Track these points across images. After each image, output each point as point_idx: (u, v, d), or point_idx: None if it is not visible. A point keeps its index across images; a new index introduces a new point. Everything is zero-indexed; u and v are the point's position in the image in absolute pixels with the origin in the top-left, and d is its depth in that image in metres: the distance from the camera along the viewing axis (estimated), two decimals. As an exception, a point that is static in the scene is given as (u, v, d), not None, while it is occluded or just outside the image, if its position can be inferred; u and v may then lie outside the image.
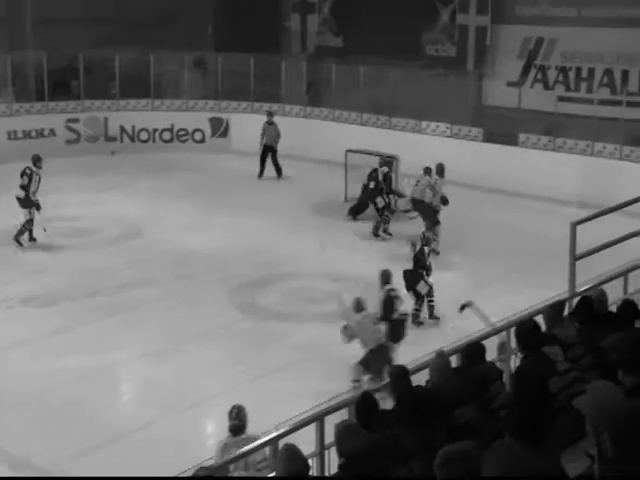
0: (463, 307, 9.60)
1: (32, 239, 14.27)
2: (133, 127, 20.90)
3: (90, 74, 20.63)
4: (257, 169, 18.73)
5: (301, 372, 9.99)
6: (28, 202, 13.90)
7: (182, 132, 21.08)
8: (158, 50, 20.91)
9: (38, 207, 13.97)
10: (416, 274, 11.47)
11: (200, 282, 12.78)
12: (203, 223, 15.36)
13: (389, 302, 9.87)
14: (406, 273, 11.44)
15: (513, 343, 6.51)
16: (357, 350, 9.56)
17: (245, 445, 5.81)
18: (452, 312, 11.54)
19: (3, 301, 11.83)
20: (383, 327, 9.71)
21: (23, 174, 14.03)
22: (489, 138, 18.26)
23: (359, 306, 9.62)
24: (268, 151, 18.79)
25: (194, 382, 9.73)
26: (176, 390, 9.54)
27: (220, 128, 21.16)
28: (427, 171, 14.56)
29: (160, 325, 11.24)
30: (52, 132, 20.07)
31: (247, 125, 20.35)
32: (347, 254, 14.05)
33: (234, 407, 6.78)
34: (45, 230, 14.05)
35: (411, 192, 14.92)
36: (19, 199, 13.97)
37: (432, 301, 11.62)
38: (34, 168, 14.00)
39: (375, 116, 19.74)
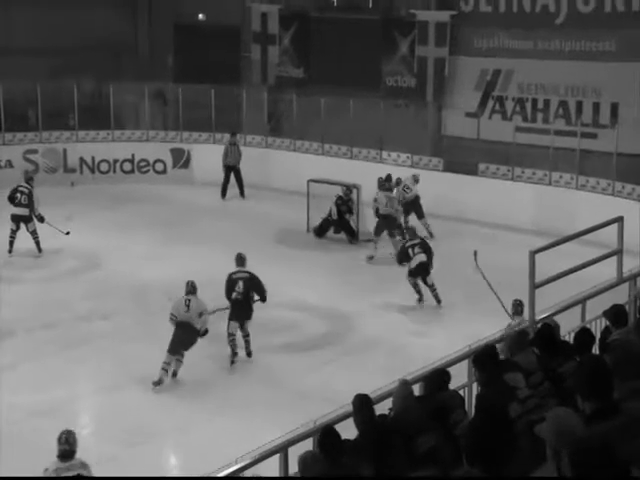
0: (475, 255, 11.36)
1: (10, 251, 14.89)
2: (93, 158, 20.72)
3: (48, 105, 20.47)
4: (219, 193, 18.85)
5: (264, 404, 9.88)
6: (32, 217, 14.80)
7: (143, 163, 20.95)
8: (117, 81, 20.85)
9: (41, 219, 14.82)
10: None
11: (159, 314, 12.58)
12: (163, 254, 15.21)
13: None
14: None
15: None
16: (320, 384, 9.47)
17: (76, 470, 5.93)
18: (407, 341, 11.62)
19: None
20: None
21: (16, 193, 14.81)
22: (449, 168, 18.46)
23: None
24: (231, 171, 19.22)
25: (152, 417, 9.57)
26: (133, 425, 9.36)
27: (182, 159, 21.08)
28: (398, 182, 16.52)
29: (117, 358, 11.05)
30: (9, 164, 19.81)
31: (209, 156, 20.32)
32: (308, 283, 14.02)
33: (63, 432, 6.91)
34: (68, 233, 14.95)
35: (383, 210, 15.58)
36: (20, 216, 14.76)
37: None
38: (29, 187, 14.92)
39: (336, 146, 19.87)
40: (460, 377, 6.49)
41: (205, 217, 17.90)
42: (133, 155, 20.89)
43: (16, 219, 14.85)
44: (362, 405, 5.42)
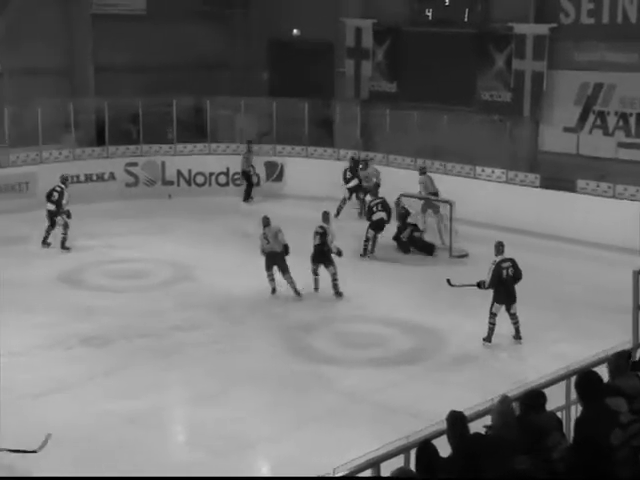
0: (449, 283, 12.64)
1: (46, 243, 16.44)
2: (189, 171, 21.23)
3: (148, 119, 21.12)
4: (311, 207, 19.09)
5: (351, 417, 9.83)
6: (60, 212, 16.31)
7: (237, 176, 21.32)
8: (214, 96, 21.31)
9: (69, 215, 16.26)
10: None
11: (249, 325, 12.78)
12: (255, 266, 15.36)
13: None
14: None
15: (573, 393, 6.31)
16: (406, 398, 9.36)
17: None
18: (498, 359, 11.36)
19: (60, 341, 11.96)
20: None
21: (53, 192, 16.48)
22: (546, 184, 18.01)
23: None
24: (246, 176, 20.69)
25: (242, 426, 9.64)
26: (224, 434, 9.45)
27: (275, 172, 21.36)
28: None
29: (209, 368, 11.21)
30: (112, 176, 20.50)
31: (301, 169, 20.51)
32: (398, 298, 13.93)
33: None
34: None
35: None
36: (50, 211, 16.35)
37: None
38: (63, 186, 16.54)
39: (429, 161, 19.71)
40: (557, 399, 6.29)
41: (298, 230, 17.97)
42: (228, 168, 21.29)
43: (49, 215, 16.40)
44: (456, 421, 5.31)
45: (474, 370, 11.23)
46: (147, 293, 14.22)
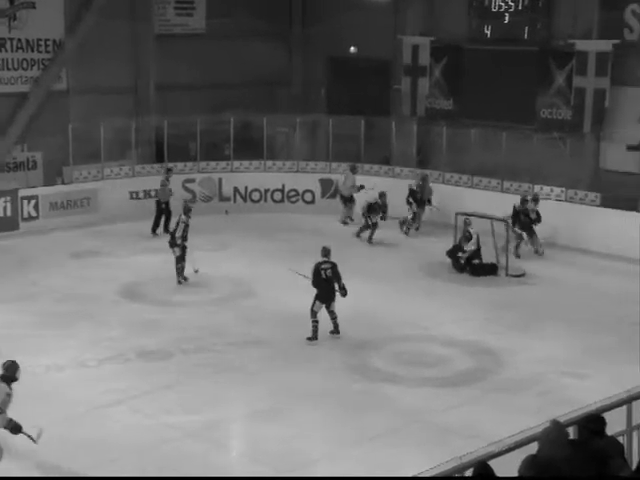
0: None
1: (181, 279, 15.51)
2: (246, 187, 21.48)
3: (207, 137, 21.45)
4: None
5: (407, 436, 9.81)
6: (173, 243, 15.46)
7: (292, 193, 21.49)
8: (272, 113, 21.56)
9: (183, 249, 15.35)
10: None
11: (304, 342, 12.81)
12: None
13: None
14: None
15: (635, 418, 6.20)
16: (464, 420, 9.25)
17: None
18: (559, 382, 11.18)
19: (121, 354, 12.19)
20: None
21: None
22: (607, 203, 17.70)
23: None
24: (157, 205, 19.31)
25: (301, 443, 9.69)
26: (284, 450, 9.51)
27: (330, 189, 21.45)
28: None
29: (268, 384, 11.29)
30: (170, 192, 20.83)
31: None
32: (458, 318, 13.85)
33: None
34: (197, 271, 15.25)
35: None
36: (169, 242, 15.62)
37: None
38: (183, 217, 15.61)
39: (487, 179, 19.57)
40: (618, 423, 6.18)
41: (353, 248, 18.06)
42: (283, 185, 21.48)
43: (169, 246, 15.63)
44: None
45: (533, 393, 11.09)
46: (207, 308, 14.40)
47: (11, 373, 8.66)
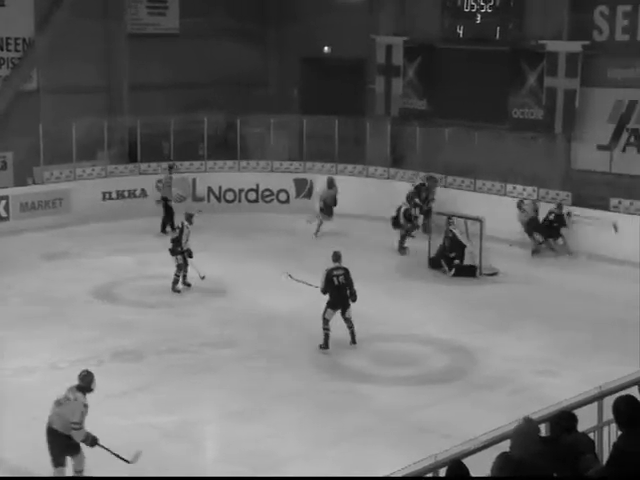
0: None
1: (186, 284, 15.22)
2: (220, 187, 21.42)
3: (180, 137, 21.37)
4: (341, 224, 19.12)
5: (382, 436, 9.84)
6: (176, 251, 15.09)
7: (267, 193, 21.47)
8: (246, 113, 21.52)
9: (190, 254, 15.08)
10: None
11: (284, 342, 12.82)
12: (286, 283, 15.44)
13: None
14: None
15: (605, 414, 6.28)
16: (439, 418, 9.30)
17: None
18: (533, 380, 11.30)
19: (94, 356, 12.09)
20: None
21: (176, 228, 15.77)
22: (578, 202, 17.91)
23: None
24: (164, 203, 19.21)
25: (276, 443, 9.70)
26: (258, 450, 9.51)
27: (304, 189, 21.47)
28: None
29: (243, 384, 11.28)
30: (143, 192, 20.74)
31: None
32: (434, 317, 13.92)
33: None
34: (203, 278, 15.00)
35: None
36: (170, 249, 15.18)
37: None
38: (186, 223, 15.27)
39: (459, 178, 19.69)
40: (589, 420, 6.26)
41: (328, 247, 18.03)
42: (258, 185, 21.45)
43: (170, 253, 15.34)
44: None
45: (508, 391, 11.17)
46: (181, 309, 14.35)
47: (87, 384, 8.40)
